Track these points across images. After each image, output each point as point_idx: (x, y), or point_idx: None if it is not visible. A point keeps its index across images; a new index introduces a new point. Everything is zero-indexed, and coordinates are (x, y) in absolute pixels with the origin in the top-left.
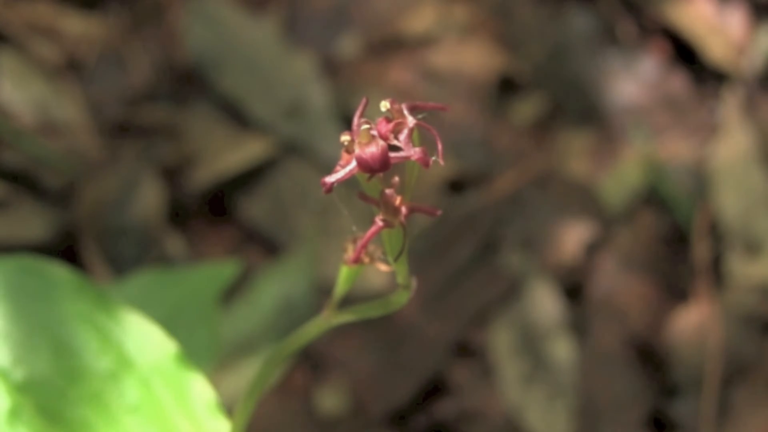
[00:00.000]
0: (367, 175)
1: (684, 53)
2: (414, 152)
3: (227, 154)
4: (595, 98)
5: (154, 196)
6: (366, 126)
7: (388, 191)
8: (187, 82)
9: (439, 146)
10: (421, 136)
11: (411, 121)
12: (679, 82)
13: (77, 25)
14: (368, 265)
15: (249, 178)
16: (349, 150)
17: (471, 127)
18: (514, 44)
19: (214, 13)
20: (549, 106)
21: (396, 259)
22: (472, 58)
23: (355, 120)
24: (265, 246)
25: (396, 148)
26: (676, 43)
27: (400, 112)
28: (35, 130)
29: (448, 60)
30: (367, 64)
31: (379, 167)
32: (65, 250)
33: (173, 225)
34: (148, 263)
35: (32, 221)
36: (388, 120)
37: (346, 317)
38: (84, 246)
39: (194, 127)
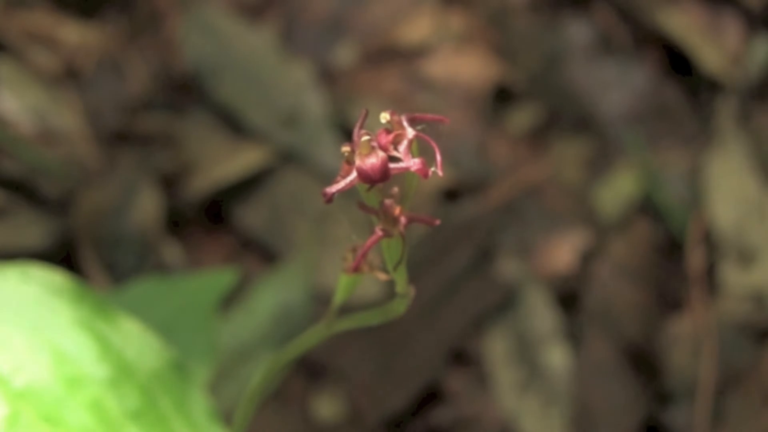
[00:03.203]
0: (366, 186)
1: (678, 63)
2: (413, 163)
3: (224, 163)
4: (590, 107)
5: (151, 204)
6: (366, 137)
7: (387, 201)
8: (185, 91)
9: (438, 157)
10: (419, 146)
11: (410, 132)
12: (673, 91)
13: (75, 34)
14: (367, 273)
15: (246, 186)
16: (350, 161)
17: (466, 136)
18: (510, 54)
19: (211, 22)
20: (544, 116)
21: (395, 268)
22: (467, 68)
23: (356, 131)
24: (262, 254)
25: (395, 159)
26: (671, 53)
27: (400, 123)
28: (33, 138)
29: (444, 69)
30: (364, 73)
31: (380, 178)
32: (63, 257)
33: (171, 233)
34: (146, 271)
35: (30, 229)
36: (388, 131)
37: (345, 325)
38: (82, 254)
39: (192, 135)
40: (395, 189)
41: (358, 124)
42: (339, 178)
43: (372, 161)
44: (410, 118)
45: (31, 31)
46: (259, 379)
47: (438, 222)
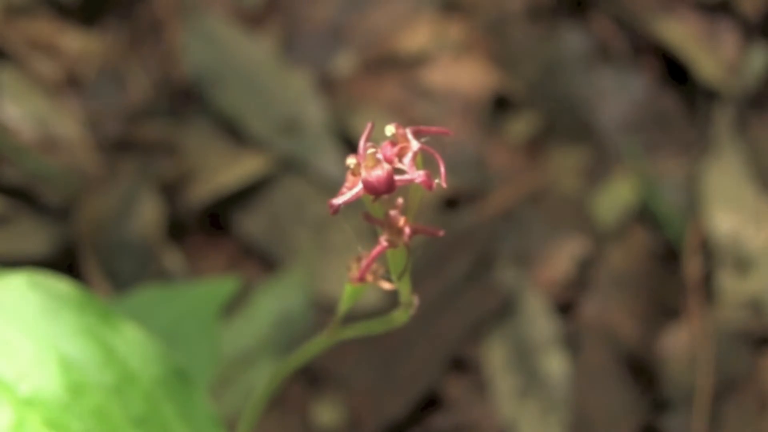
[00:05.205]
0: (372, 197)
1: (676, 72)
2: (418, 175)
3: (225, 171)
4: (587, 116)
5: (152, 211)
6: (372, 150)
7: (392, 212)
8: (185, 99)
9: (442, 169)
10: (422, 157)
11: (415, 144)
12: (670, 100)
13: (76, 42)
14: (371, 283)
15: (246, 194)
16: (355, 173)
17: (465, 145)
18: (508, 63)
19: (211, 31)
20: (542, 124)
21: (399, 278)
22: (466, 76)
23: (361, 143)
24: (262, 261)
25: (400, 171)
26: (668, 62)
27: (404, 135)
28: (35, 146)
29: (443, 78)
30: (363, 82)
31: (385, 190)
32: (65, 265)
33: (171, 240)
34: (147, 278)
35: (32, 236)
36: (393, 143)
37: (349, 334)
38: (83, 261)
39: (192, 143)
40: (400, 200)
41: (363, 137)
42: (344, 189)
43: (378, 173)
44: (415, 131)
45: (33, 39)
46: (266, 387)
47: (442, 233)
